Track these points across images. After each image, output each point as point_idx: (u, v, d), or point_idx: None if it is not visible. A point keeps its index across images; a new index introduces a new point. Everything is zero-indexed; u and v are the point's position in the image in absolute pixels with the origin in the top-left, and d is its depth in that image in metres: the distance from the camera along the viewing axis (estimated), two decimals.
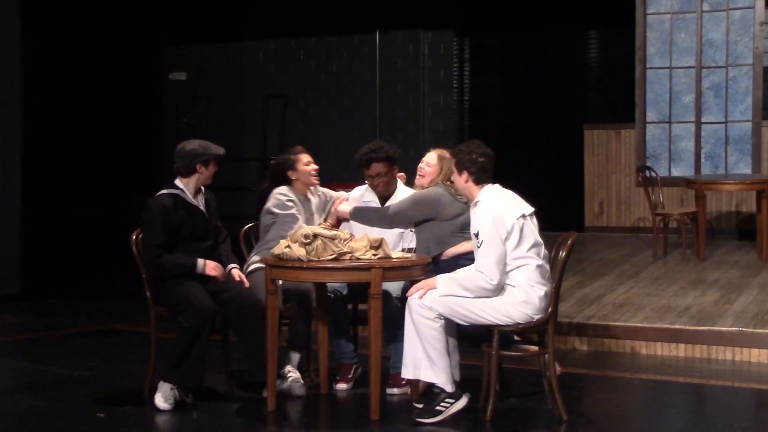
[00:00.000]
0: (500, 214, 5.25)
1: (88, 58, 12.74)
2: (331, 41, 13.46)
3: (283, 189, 6.23)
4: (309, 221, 6.20)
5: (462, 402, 5.34)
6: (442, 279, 5.32)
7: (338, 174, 12.86)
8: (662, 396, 6.17)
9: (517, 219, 5.28)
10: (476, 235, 5.28)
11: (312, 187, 6.33)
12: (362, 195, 6.34)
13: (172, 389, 5.61)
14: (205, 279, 5.79)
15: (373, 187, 6.23)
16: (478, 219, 5.31)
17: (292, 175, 6.27)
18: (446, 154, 5.99)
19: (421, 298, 5.29)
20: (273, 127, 13.59)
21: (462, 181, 5.43)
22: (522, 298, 5.27)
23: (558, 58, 12.64)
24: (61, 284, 10.38)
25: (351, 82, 13.37)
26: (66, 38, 12.42)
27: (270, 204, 6.19)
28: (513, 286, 5.29)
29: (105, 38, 12.94)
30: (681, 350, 7.00)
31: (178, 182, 5.85)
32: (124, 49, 13.21)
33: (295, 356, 5.99)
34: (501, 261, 5.22)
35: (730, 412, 5.84)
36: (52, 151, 12.04)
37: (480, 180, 5.39)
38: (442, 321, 5.29)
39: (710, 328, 6.99)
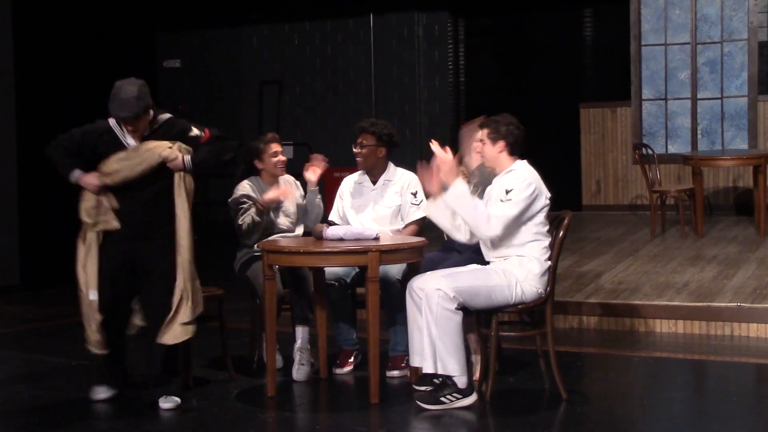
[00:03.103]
0: (539, 186, 5.36)
1: (82, 47, 12.68)
2: (325, 25, 13.43)
3: (244, 183, 6.17)
4: (276, 211, 6.17)
5: (469, 400, 5.27)
6: (456, 188, 5.24)
7: (334, 158, 12.85)
8: (661, 373, 6.18)
9: (547, 198, 5.39)
10: (507, 191, 5.29)
11: (280, 177, 6.26)
12: (359, 177, 6.32)
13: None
14: (135, 272, 5.48)
15: (355, 155, 6.21)
16: (514, 180, 5.31)
17: (258, 164, 6.19)
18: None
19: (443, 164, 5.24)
20: (269, 112, 13.56)
21: (496, 150, 5.42)
22: (537, 270, 5.32)
23: (552, 37, 12.61)
24: (60, 274, 10.36)
25: (346, 66, 13.35)
26: (59, 27, 12.36)
27: (230, 199, 6.14)
28: (530, 259, 5.31)
29: (98, 26, 12.88)
30: (680, 327, 7.01)
31: None
32: (118, 36, 13.15)
33: (300, 330, 5.94)
34: (511, 224, 5.25)
35: (730, 387, 5.85)
36: (47, 140, 11.99)
37: (514, 151, 5.44)
38: (462, 312, 5.24)
39: (709, 304, 7.00)
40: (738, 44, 11.07)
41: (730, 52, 11.11)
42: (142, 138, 5.43)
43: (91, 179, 5.44)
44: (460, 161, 5.76)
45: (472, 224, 5.28)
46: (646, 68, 11.45)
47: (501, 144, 5.42)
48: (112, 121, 5.44)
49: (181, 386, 5.57)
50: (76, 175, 5.46)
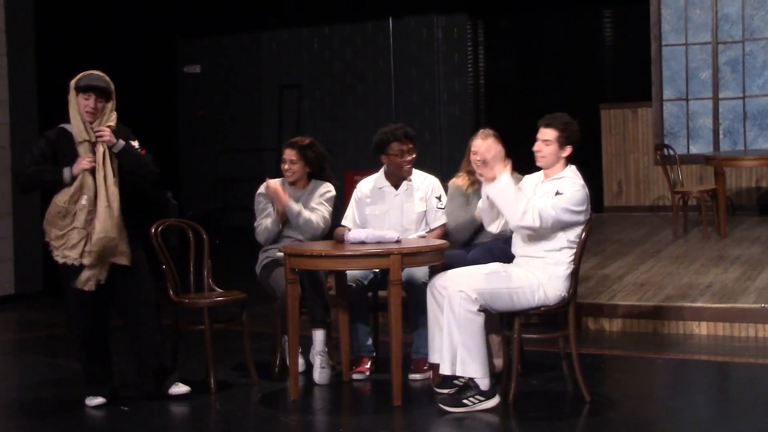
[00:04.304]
0: (588, 203, 5.32)
1: (103, 54, 12.76)
2: (344, 29, 13.45)
3: (275, 181, 6.28)
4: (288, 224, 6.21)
5: (492, 402, 5.25)
6: (501, 181, 5.16)
7: (355, 161, 12.87)
8: (685, 375, 6.15)
9: (588, 214, 5.34)
10: (558, 192, 5.26)
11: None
12: (376, 181, 6.30)
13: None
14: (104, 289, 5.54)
15: (398, 165, 6.12)
16: (567, 184, 5.27)
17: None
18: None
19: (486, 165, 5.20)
20: (289, 116, 13.59)
21: (562, 154, 5.39)
22: (562, 274, 5.29)
23: (572, 38, 12.59)
24: None
25: (365, 69, 13.36)
26: (80, 34, 12.45)
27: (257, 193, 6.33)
28: (556, 262, 5.28)
29: (119, 33, 12.96)
30: (703, 328, 6.96)
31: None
32: (139, 43, 13.24)
33: (317, 334, 5.95)
34: (554, 225, 5.20)
35: (754, 389, 5.80)
36: None
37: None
38: (484, 314, 5.23)
39: (733, 305, 6.95)
40: (760, 43, 11.01)
41: (752, 51, 11.05)
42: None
43: (84, 159, 5.32)
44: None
45: (510, 214, 5.18)
46: (667, 68, 11.40)
47: (569, 149, 5.37)
48: (65, 126, 5.41)
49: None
50: (67, 172, 5.35)
